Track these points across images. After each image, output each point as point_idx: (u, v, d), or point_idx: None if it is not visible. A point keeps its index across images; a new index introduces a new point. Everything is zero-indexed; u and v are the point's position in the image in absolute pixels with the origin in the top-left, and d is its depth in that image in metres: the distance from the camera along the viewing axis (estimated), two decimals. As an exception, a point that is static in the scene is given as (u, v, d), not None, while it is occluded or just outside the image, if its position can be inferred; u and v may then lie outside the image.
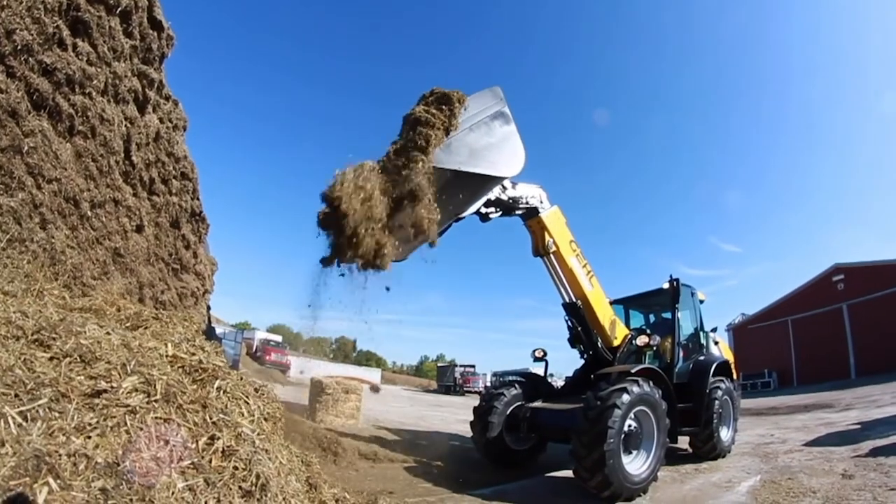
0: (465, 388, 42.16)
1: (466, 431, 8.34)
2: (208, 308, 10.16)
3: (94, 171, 6.06)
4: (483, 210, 6.56)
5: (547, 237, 7.04)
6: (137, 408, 2.22)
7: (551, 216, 7.16)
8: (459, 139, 5.90)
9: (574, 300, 7.40)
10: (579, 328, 7.47)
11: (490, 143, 6.20)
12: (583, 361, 8.04)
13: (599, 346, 7.51)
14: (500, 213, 6.86)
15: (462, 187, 6.07)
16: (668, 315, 8.65)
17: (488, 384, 37.16)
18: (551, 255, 7.18)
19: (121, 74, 6.47)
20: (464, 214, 6.27)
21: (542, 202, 7.13)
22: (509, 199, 6.73)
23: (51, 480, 1.71)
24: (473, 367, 46.91)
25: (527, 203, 6.96)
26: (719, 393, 7.88)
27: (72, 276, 5.49)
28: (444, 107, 5.72)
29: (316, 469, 3.60)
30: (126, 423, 2.13)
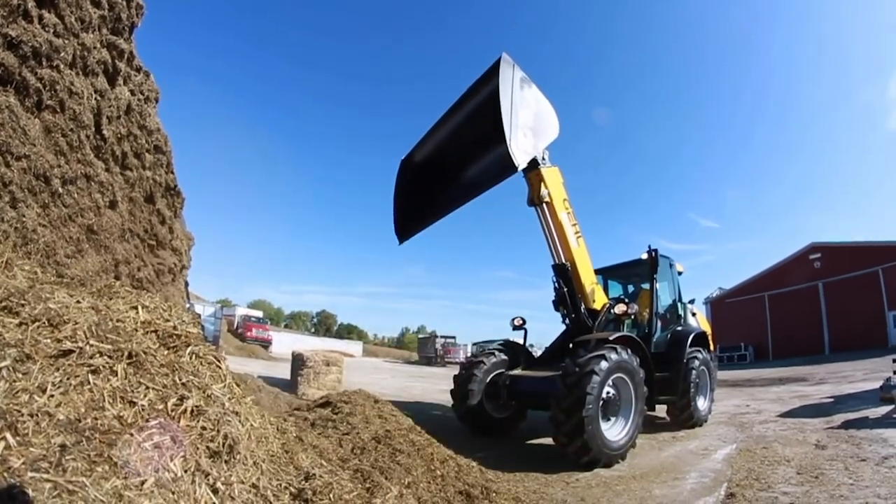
0: (446, 360, 42.93)
1: (447, 401, 8.42)
2: (186, 284, 10.05)
3: (64, 147, 5.88)
4: None
5: (543, 188, 7.34)
6: (101, 367, 2.21)
7: (550, 172, 7.51)
8: (517, 127, 5.94)
9: (564, 262, 7.57)
10: (566, 289, 7.60)
11: (533, 113, 6.44)
12: (563, 329, 8.14)
13: (582, 310, 7.62)
14: None
15: None
16: (646, 285, 8.77)
17: (469, 355, 37.65)
18: (544, 206, 7.51)
19: (89, 46, 6.25)
20: None
21: (544, 158, 7.43)
22: None
23: (8, 436, 1.70)
24: (454, 338, 47.43)
25: None
26: (696, 363, 8.04)
27: (45, 254, 5.38)
28: None
29: (292, 436, 3.61)
30: (90, 383, 2.11)
